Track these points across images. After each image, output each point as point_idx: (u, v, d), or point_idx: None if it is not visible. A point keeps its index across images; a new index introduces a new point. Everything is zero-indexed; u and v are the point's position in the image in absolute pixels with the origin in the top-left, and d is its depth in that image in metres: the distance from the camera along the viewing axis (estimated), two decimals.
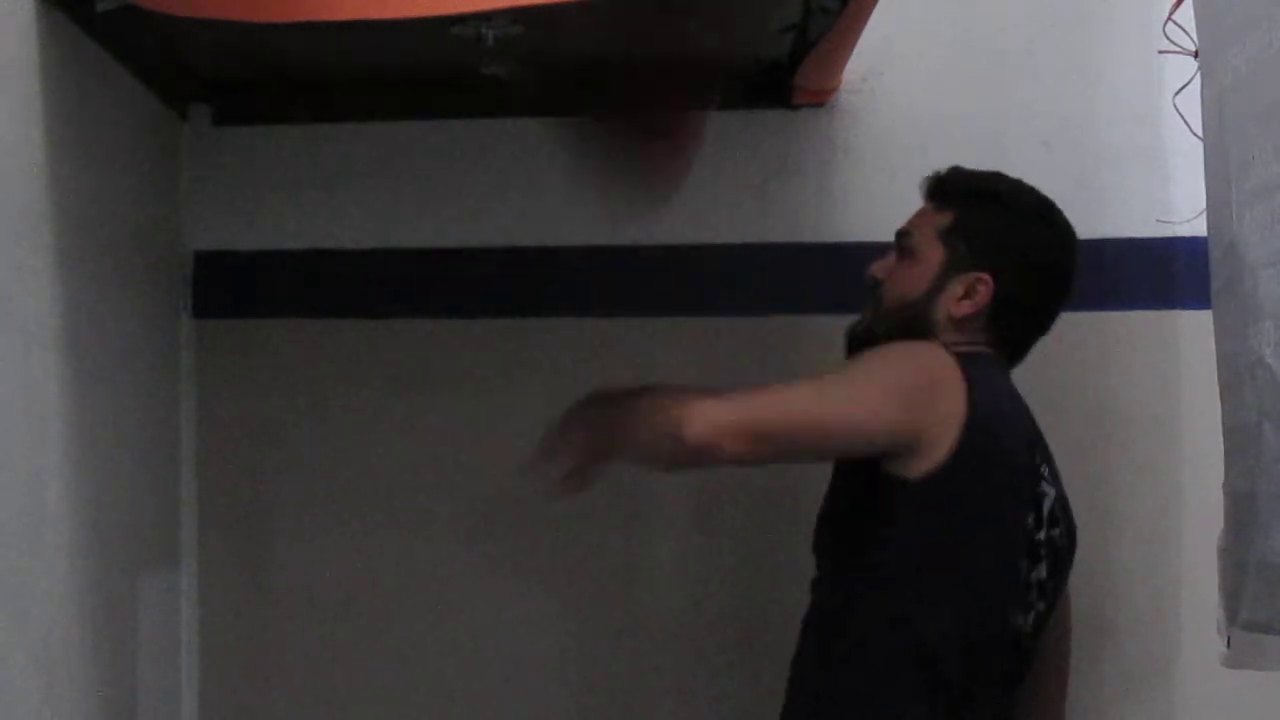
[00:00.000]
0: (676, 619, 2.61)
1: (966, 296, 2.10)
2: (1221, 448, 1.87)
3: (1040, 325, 2.17)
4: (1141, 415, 2.57)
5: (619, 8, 1.98)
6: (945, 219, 2.14)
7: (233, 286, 2.65)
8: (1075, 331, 2.41)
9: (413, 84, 2.54)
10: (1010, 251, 2.11)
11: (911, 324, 2.10)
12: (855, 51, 2.39)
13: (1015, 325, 2.13)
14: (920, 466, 1.98)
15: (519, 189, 2.63)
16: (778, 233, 2.62)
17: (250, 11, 1.79)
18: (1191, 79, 2.05)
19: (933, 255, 2.12)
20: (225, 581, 2.64)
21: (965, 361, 2.03)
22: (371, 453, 2.63)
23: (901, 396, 1.99)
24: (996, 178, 2.17)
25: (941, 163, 2.20)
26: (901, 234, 2.18)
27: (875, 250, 2.23)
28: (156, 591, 2.44)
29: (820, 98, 2.58)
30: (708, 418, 1.93)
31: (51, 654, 1.93)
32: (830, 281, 2.57)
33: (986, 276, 2.09)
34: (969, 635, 2.01)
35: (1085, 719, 2.55)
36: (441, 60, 2.08)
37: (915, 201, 2.20)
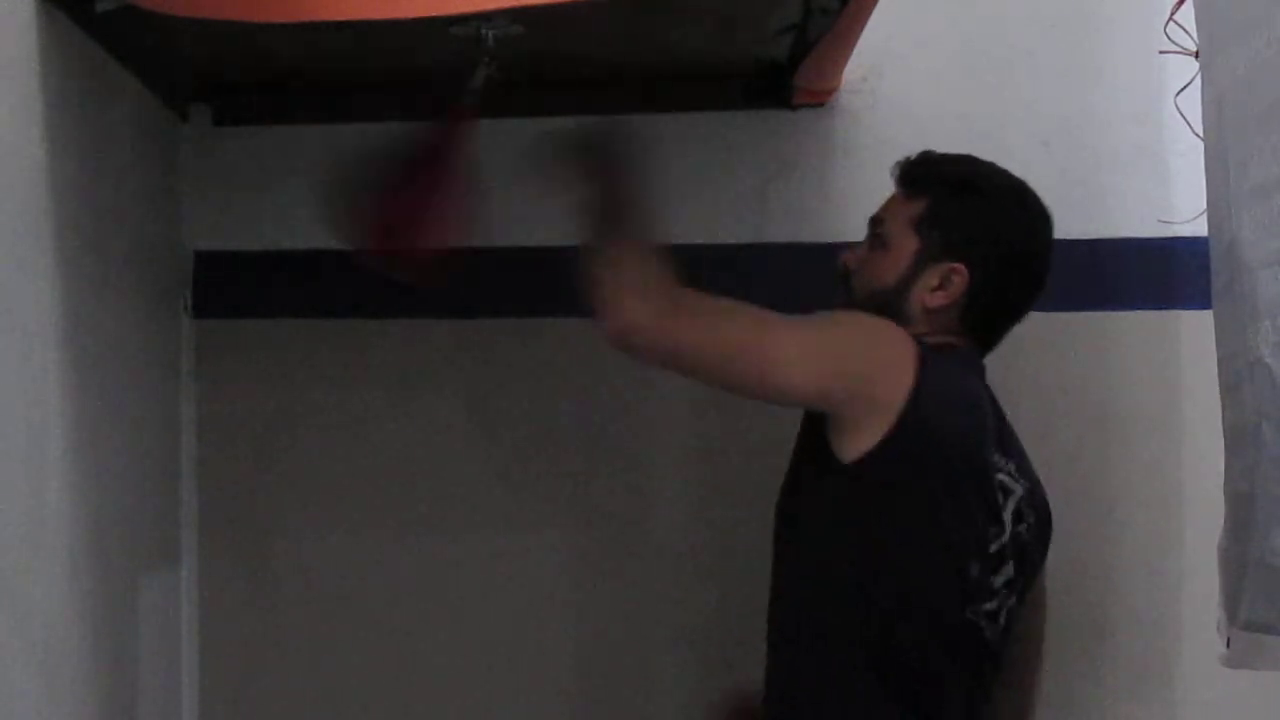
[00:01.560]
0: (677, 617, 2.61)
1: (940, 287, 2.07)
2: (1222, 448, 1.87)
3: (1015, 313, 2.13)
4: (1141, 415, 2.57)
5: (619, 8, 1.98)
6: (918, 207, 2.10)
7: (233, 286, 2.65)
8: (1075, 331, 2.42)
9: (413, 84, 2.54)
10: (985, 241, 2.07)
11: (883, 314, 2.06)
12: (855, 51, 2.39)
13: (989, 315, 2.11)
14: (851, 447, 1.96)
15: (519, 189, 2.63)
16: (778, 233, 2.62)
17: (250, 11, 1.79)
18: (1193, 79, 2.05)
19: (906, 245, 2.09)
20: (225, 581, 2.64)
21: (929, 353, 2.00)
22: (372, 453, 2.64)
23: (836, 360, 1.99)
24: (969, 163, 2.14)
25: None
26: (874, 221, 2.15)
27: None
28: (156, 591, 2.44)
29: (820, 98, 2.58)
30: (629, 318, 1.96)
31: (51, 654, 1.93)
32: (830, 281, 2.56)
33: (961, 267, 2.06)
34: (913, 631, 1.99)
35: (1086, 719, 2.55)
36: (441, 60, 2.07)
37: None
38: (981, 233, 2.08)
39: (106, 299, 2.16)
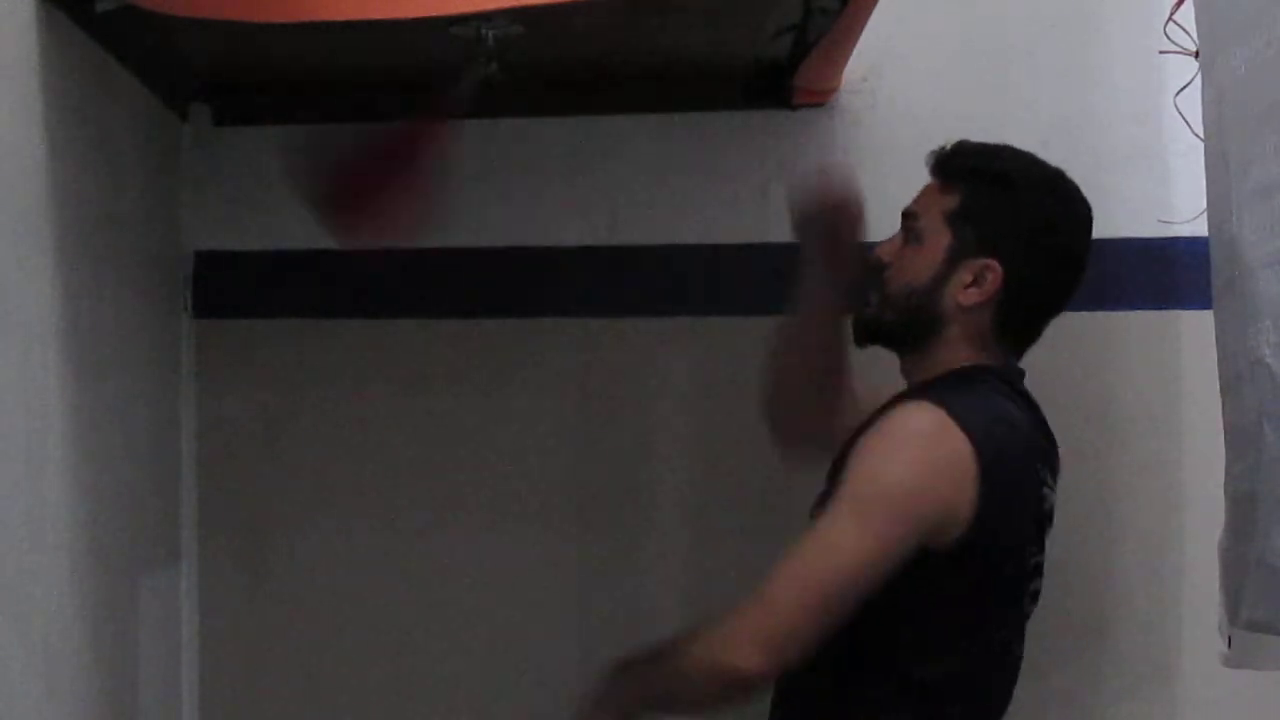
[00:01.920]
0: (676, 617, 2.61)
1: (974, 284, 2.03)
2: (1222, 448, 1.87)
3: (1052, 308, 2.10)
4: (1142, 415, 2.57)
5: (619, 8, 1.98)
6: (951, 200, 2.06)
7: (233, 286, 2.65)
8: (1075, 331, 2.41)
9: (412, 84, 2.54)
10: (1019, 236, 2.03)
11: (918, 313, 2.05)
12: (855, 51, 2.39)
13: (1026, 310, 2.07)
14: (940, 541, 1.93)
15: (519, 189, 2.63)
16: (778, 233, 2.60)
17: (250, 11, 1.79)
18: (1192, 79, 2.05)
19: (939, 240, 2.05)
20: (225, 581, 2.64)
21: (963, 403, 1.96)
22: (371, 453, 2.63)
23: (905, 511, 1.91)
24: (1005, 154, 2.09)
25: None
26: (907, 215, 2.11)
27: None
28: (156, 591, 2.44)
29: (820, 98, 2.58)
30: (744, 641, 1.89)
31: (51, 654, 1.93)
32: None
33: (994, 263, 2.02)
34: (970, 673, 2.00)
35: (1086, 719, 2.55)
36: (441, 60, 2.07)
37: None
38: (1015, 227, 2.04)
39: (106, 299, 2.16)
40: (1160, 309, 2.56)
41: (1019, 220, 2.05)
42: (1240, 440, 1.80)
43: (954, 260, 2.05)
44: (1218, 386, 1.87)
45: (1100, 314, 2.53)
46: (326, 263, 2.63)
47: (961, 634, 1.98)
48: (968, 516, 1.92)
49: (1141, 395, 2.57)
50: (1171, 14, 2.20)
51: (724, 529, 2.60)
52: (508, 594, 2.62)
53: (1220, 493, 1.88)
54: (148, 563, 2.40)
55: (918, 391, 2.05)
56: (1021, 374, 2.11)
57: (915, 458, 1.95)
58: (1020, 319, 2.08)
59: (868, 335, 2.13)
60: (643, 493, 2.62)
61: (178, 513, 2.58)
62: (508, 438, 2.63)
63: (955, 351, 2.07)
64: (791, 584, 1.91)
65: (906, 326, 2.08)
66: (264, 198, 2.63)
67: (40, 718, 1.89)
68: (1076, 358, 2.54)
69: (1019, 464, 2.00)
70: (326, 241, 2.59)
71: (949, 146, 2.10)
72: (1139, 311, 2.56)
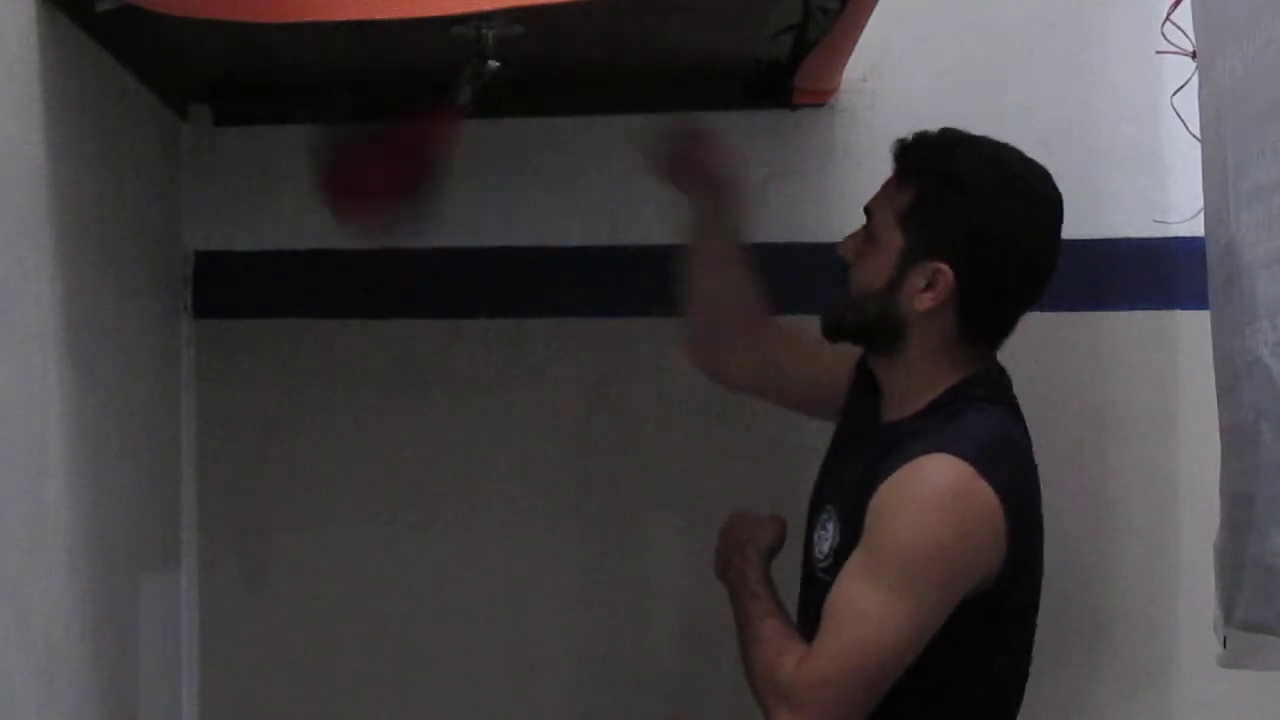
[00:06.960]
0: (679, 620, 2.61)
1: (928, 289, 1.95)
2: (1219, 448, 1.88)
3: (1018, 306, 2.02)
4: (1139, 415, 2.57)
5: (620, 8, 1.98)
6: (905, 198, 1.98)
7: (233, 286, 2.65)
8: (1073, 331, 2.43)
9: (413, 84, 2.54)
10: (970, 240, 1.94)
11: (880, 318, 2.00)
12: (855, 51, 2.39)
13: (989, 311, 2.00)
14: (975, 592, 1.92)
15: (519, 189, 2.63)
16: (778, 233, 2.62)
17: (250, 11, 1.79)
18: (1189, 79, 2.06)
19: (892, 242, 1.98)
20: (225, 581, 2.64)
21: (979, 446, 1.91)
22: (371, 453, 2.64)
23: (946, 579, 1.89)
24: (962, 149, 1.99)
25: None
26: (866, 211, 2.05)
27: None
28: (156, 591, 2.44)
29: (820, 98, 2.58)
30: (789, 706, 1.91)
31: (51, 654, 1.93)
32: (830, 282, 2.56)
33: (945, 267, 1.94)
34: (998, 694, 2.02)
35: (1083, 718, 2.56)
36: (441, 60, 2.08)
37: None
38: (965, 229, 1.95)
39: (106, 299, 2.16)
40: (1157, 309, 2.56)
41: (969, 223, 1.95)
42: (1237, 440, 1.80)
43: (906, 263, 1.97)
44: (1215, 387, 1.88)
45: (1097, 314, 2.53)
46: (326, 263, 2.63)
47: (987, 660, 1.99)
48: (1000, 567, 1.92)
49: (1138, 395, 2.57)
50: (1169, 14, 2.20)
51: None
52: (508, 594, 2.63)
53: (1217, 493, 1.89)
54: (148, 563, 2.40)
55: (922, 430, 1.97)
56: (1003, 371, 2.06)
57: (949, 523, 1.90)
58: (983, 320, 2.01)
59: (834, 332, 2.09)
60: (642, 493, 2.62)
61: (178, 513, 2.58)
62: (507, 437, 2.63)
63: (930, 357, 2.01)
64: (837, 662, 1.90)
65: (868, 329, 2.04)
66: (264, 198, 2.64)
67: (40, 718, 1.89)
68: (1073, 358, 2.55)
69: (1034, 495, 1.99)
70: (326, 241, 2.60)
71: (909, 138, 2.04)
72: (1136, 311, 2.56)
